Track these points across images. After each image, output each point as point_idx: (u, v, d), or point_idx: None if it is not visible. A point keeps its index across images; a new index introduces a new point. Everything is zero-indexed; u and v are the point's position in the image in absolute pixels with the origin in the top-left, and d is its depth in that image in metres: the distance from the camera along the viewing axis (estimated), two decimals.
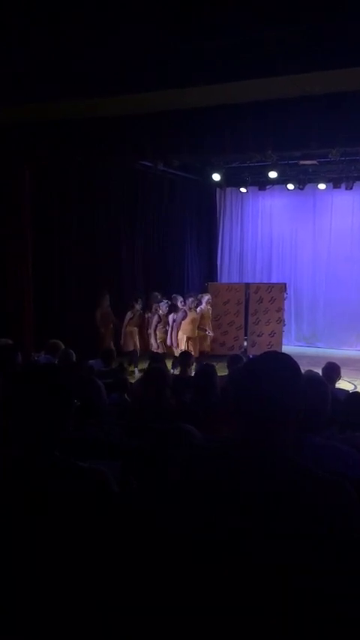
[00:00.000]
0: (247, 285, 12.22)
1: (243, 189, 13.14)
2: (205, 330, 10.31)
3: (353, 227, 13.15)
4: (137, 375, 8.83)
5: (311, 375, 2.50)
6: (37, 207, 8.78)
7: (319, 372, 5.21)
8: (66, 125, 8.00)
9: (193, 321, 9.84)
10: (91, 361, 6.26)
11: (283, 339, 11.90)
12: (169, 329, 9.92)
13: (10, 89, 6.49)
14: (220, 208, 14.60)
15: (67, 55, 6.25)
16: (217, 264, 14.61)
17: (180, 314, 9.84)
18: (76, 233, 10.22)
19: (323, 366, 5.58)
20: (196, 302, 10.06)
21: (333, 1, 5.45)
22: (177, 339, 9.78)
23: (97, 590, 1.49)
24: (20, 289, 8.46)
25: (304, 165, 11.60)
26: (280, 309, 11.67)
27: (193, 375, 5.80)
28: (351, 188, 11.85)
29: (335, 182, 11.92)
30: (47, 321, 8.99)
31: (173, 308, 10.09)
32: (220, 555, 1.29)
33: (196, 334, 9.97)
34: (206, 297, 10.48)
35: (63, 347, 6.55)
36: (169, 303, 10.15)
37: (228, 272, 14.60)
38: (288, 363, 1.46)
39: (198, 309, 10.06)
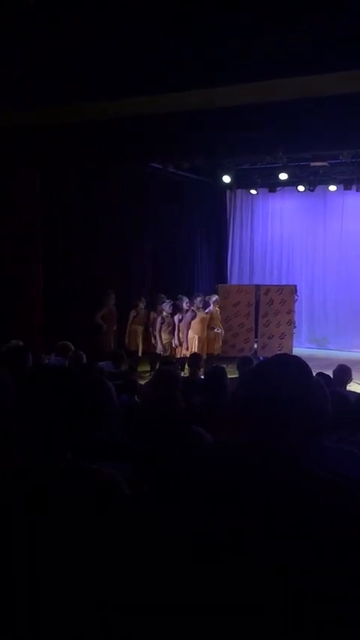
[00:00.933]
0: (258, 287, 12.20)
1: (253, 191, 13.12)
2: (214, 329, 10.22)
3: None
4: None
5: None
6: (46, 209, 8.82)
7: (330, 374, 5.20)
8: (75, 127, 8.03)
9: (202, 320, 9.81)
10: (101, 363, 6.28)
11: (294, 342, 11.86)
12: (176, 330, 9.86)
13: (19, 93, 6.53)
14: (230, 210, 14.59)
15: (70, 58, 6.28)
16: (227, 266, 14.59)
17: (189, 314, 9.77)
18: (86, 235, 10.25)
19: (334, 368, 5.54)
20: (203, 302, 10.02)
21: (339, 1, 5.43)
22: (186, 339, 9.71)
23: (104, 591, 1.49)
24: (30, 291, 8.50)
25: (314, 166, 11.56)
26: (291, 311, 11.63)
27: (202, 376, 5.79)
28: None
29: (346, 184, 11.88)
30: (56, 322, 9.01)
31: (177, 309, 10.00)
32: (222, 556, 1.29)
33: (205, 334, 9.94)
34: (214, 298, 10.44)
35: (73, 348, 6.57)
36: (172, 303, 10.06)
37: (238, 274, 14.58)
38: (299, 365, 1.46)
39: (207, 309, 10.02)
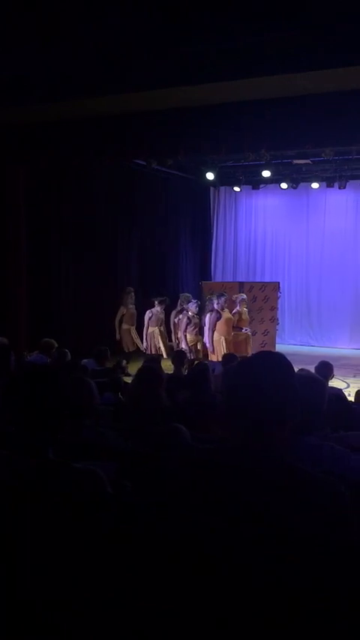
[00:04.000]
0: (241, 284, 12.23)
1: (237, 189, 13.14)
2: (241, 329, 9.58)
3: (346, 226, 13.19)
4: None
5: (308, 374, 2.50)
6: (31, 206, 8.75)
7: (312, 370, 5.23)
8: (61, 125, 7.98)
9: (228, 321, 9.14)
10: (84, 360, 6.24)
11: (277, 338, 11.92)
12: (207, 330, 9.15)
13: (5, 90, 6.47)
14: (213, 207, 14.61)
15: (55, 55, 6.24)
16: (211, 263, 14.62)
17: (213, 315, 9.08)
18: (71, 232, 10.18)
19: (316, 364, 5.58)
20: (229, 301, 9.41)
21: (325, 3, 5.47)
22: (211, 342, 9.02)
23: (88, 591, 1.49)
24: (14, 288, 8.43)
25: (297, 164, 11.61)
26: (274, 308, 11.69)
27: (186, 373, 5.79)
28: (344, 187, 11.88)
29: (328, 181, 11.94)
30: (42, 320, 8.96)
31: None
32: (216, 557, 1.28)
33: (232, 336, 9.27)
34: (241, 297, 9.87)
35: (56, 346, 6.54)
36: (199, 303, 9.48)
37: (222, 271, 14.62)
38: (281, 362, 1.46)
39: (234, 310, 9.46)
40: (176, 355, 6.86)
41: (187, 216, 13.85)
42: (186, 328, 9.19)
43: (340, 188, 11.92)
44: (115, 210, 11.25)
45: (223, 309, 9.14)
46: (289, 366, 1.46)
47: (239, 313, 9.62)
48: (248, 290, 11.85)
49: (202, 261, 14.50)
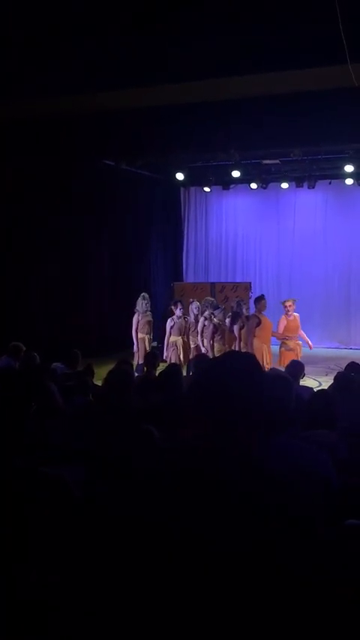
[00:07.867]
0: (213, 284, 12.28)
1: (207, 189, 13.18)
2: (287, 338, 8.51)
3: (316, 225, 13.34)
4: None
5: (275, 373, 2.51)
6: None
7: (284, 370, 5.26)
8: (31, 125, 7.88)
9: (268, 327, 8.35)
10: (54, 364, 6.16)
11: None
12: (251, 339, 8.26)
13: None
14: (184, 208, 14.63)
15: (25, 53, 6.16)
16: (182, 264, 14.63)
17: (252, 321, 8.30)
18: (41, 233, 10.06)
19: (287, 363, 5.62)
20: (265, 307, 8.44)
21: (295, 5, 5.52)
22: (252, 350, 7.91)
23: (57, 595, 1.46)
24: None
25: (266, 164, 11.70)
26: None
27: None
28: (313, 187, 12.00)
29: (298, 181, 12.06)
30: (11, 323, 8.83)
31: (236, 316, 8.86)
32: (188, 560, 1.26)
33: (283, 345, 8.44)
34: (292, 301, 8.90)
35: (24, 349, 6.45)
36: (223, 308, 8.98)
37: (194, 271, 14.65)
38: (250, 362, 1.46)
39: (280, 317, 8.61)
40: (147, 357, 6.82)
41: (158, 216, 13.85)
42: (213, 336, 8.50)
43: (309, 188, 12.05)
44: (85, 210, 11.16)
45: (260, 314, 8.32)
46: (257, 365, 1.46)
47: (287, 319, 8.52)
48: (220, 290, 11.89)
49: (174, 261, 14.51)
